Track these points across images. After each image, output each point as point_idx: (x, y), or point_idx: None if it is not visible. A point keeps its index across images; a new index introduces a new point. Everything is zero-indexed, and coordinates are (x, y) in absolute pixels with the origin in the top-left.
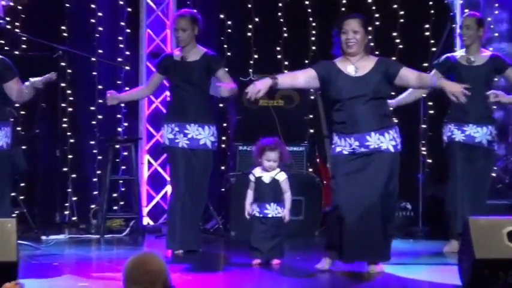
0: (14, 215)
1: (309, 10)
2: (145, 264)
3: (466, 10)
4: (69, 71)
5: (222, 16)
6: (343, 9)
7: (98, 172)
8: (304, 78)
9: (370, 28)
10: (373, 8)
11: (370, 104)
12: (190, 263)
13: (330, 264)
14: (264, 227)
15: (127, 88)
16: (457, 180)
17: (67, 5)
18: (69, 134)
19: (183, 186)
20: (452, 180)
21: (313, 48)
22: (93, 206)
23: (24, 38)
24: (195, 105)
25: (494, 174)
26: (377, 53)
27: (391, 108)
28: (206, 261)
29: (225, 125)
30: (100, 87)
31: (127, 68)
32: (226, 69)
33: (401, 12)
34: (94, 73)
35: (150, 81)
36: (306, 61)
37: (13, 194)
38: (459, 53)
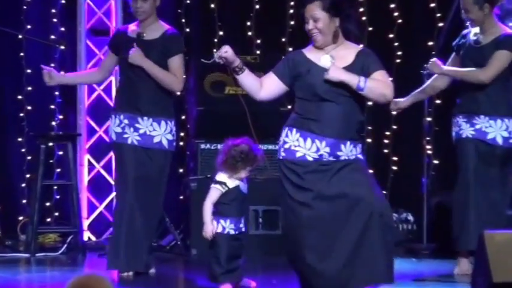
0: None
1: None
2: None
3: None
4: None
5: None
6: None
7: (27, 176)
8: (266, 90)
9: (341, 7)
10: None
11: (349, 106)
12: None
13: None
14: (239, 244)
15: (62, 72)
16: (469, 184)
17: None
18: None
19: (132, 193)
20: (461, 185)
21: (292, 23)
22: (21, 218)
23: None
24: (150, 95)
25: None
26: (370, 29)
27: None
28: (162, 285)
29: (183, 117)
30: (29, 71)
31: (62, 47)
32: (185, 56)
33: None
34: (21, 54)
35: (102, 63)
36: (283, 39)
37: None
38: (474, 30)
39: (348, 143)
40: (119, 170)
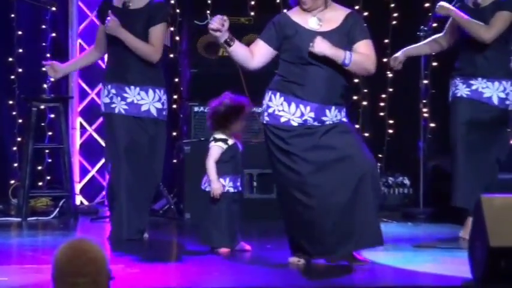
0: None
1: None
2: (86, 252)
3: None
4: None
5: None
6: None
7: (18, 139)
8: (256, 58)
9: None
10: None
11: (334, 70)
12: (136, 253)
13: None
14: (237, 206)
15: (54, 34)
16: (457, 143)
17: None
18: None
19: (125, 164)
20: (453, 146)
21: None
22: (12, 182)
23: None
24: (137, 64)
25: None
26: None
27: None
28: (155, 249)
29: (176, 80)
30: (20, 32)
31: (53, 8)
32: (164, 25)
33: None
34: (12, 15)
35: (97, 38)
36: (285, 10)
37: None
38: None
39: (333, 107)
40: (109, 142)
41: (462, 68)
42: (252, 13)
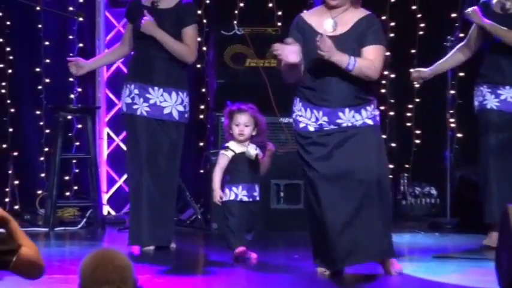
0: None
1: None
2: (112, 260)
3: None
4: (7, 23)
5: None
6: None
7: (46, 149)
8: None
9: None
10: None
11: (345, 73)
12: (162, 263)
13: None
14: (250, 215)
15: (81, 44)
16: (489, 157)
17: None
18: (8, 102)
19: (147, 167)
20: (483, 157)
21: None
22: (39, 192)
23: None
24: (163, 65)
25: None
26: (393, 0)
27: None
28: (182, 260)
29: (203, 90)
30: (47, 43)
31: (80, 19)
32: (195, 26)
33: None
34: (39, 26)
35: (124, 37)
36: (304, 10)
37: None
38: None
39: (347, 110)
40: (130, 144)
41: (489, 75)
42: (279, 23)
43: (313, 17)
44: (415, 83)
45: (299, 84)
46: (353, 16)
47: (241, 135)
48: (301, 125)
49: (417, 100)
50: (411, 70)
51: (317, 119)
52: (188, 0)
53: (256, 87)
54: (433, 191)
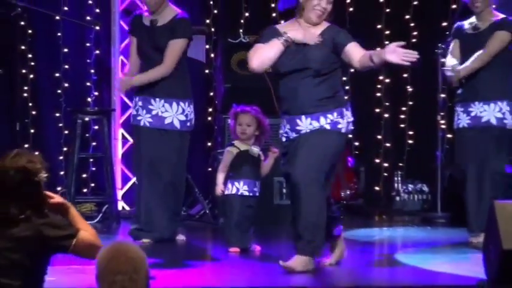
0: None
1: None
2: (125, 252)
3: None
4: (29, 31)
5: None
6: None
7: (65, 149)
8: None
9: None
10: None
11: (303, 82)
12: (170, 255)
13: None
14: (251, 209)
15: (97, 51)
16: (466, 173)
17: None
18: (30, 104)
19: (145, 173)
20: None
21: None
22: (59, 189)
23: None
24: (164, 78)
25: None
26: (388, 10)
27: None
28: (190, 251)
29: (211, 94)
30: (65, 50)
31: (97, 28)
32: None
33: None
34: (58, 34)
35: (131, 51)
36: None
37: None
38: (469, 20)
39: (303, 117)
40: (134, 152)
41: (462, 93)
42: None
43: (284, 28)
44: (408, 87)
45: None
46: (316, 30)
47: (244, 134)
48: (280, 136)
49: (410, 103)
50: (405, 75)
51: (284, 128)
52: (183, 15)
53: (260, 91)
54: (425, 188)
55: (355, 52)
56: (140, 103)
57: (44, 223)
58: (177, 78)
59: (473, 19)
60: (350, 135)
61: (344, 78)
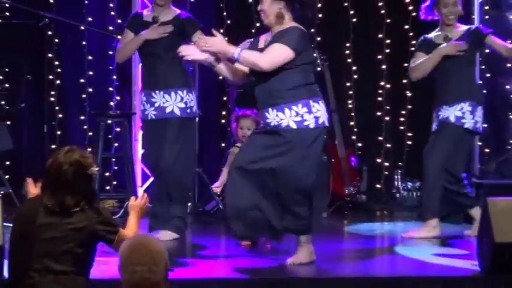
0: None
1: None
2: (146, 245)
3: None
4: (56, 40)
5: None
6: None
7: (89, 149)
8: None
9: None
10: None
11: (268, 77)
12: (185, 248)
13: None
14: None
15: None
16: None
17: None
18: (57, 108)
19: (153, 166)
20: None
21: (320, 16)
22: None
23: (7, 5)
24: (164, 71)
25: None
26: (388, 21)
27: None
28: (204, 245)
29: (225, 98)
30: (90, 57)
31: (118, 37)
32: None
33: None
34: (83, 43)
35: (122, 40)
36: (312, 29)
37: None
38: (433, 34)
39: (270, 109)
40: (145, 146)
41: (437, 98)
42: None
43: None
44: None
45: None
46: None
47: (244, 137)
48: None
49: (409, 107)
50: (404, 81)
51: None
52: (189, 15)
53: None
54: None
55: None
56: (145, 98)
57: (98, 218)
58: (177, 71)
59: (439, 31)
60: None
61: (348, 84)
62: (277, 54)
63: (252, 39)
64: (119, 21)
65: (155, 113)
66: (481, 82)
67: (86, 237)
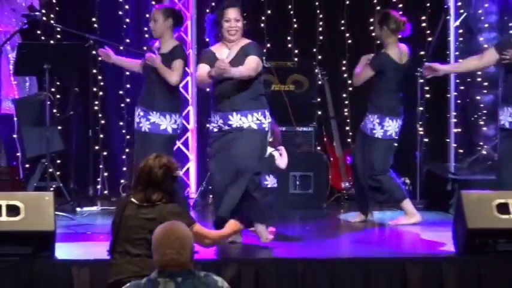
0: (51, 189)
1: (316, 3)
2: (175, 232)
3: (459, 3)
4: (99, 58)
5: None
6: (347, 2)
7: (126, 150)
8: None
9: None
10: (375, 1)
11: (238, 85)
12: None
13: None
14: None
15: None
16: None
17: None
18: (100, 115)
19: None
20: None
21: (320, 38)
22: (122, 181)
23: (58, 29)
24: (160, 94)
25: (484, 152)
26: (378, 42)
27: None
28: None
29: None
30: (127, 73)
31: None
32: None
33: (401, 5)
34: None
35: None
36: (314, 49)
37: (50, 170)
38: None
39: (234, 113)
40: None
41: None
42: (296, 59)
43: (215, 49)
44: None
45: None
46: (238, 45)
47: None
48: (210, 128)
49: None
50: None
51: (216, 122)
52: (180, 45)
53: (279, 106)
54: (407, 181)
55: (248, 63)
56: (141, 113)
57: (169, 210)
58: (172, 96)
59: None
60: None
61: (344, 95)
62: (255, 63)
63: (202, 54)
64: (151, 43)
65: (150, 127)
66: (455, 94)
67: (156, 226)
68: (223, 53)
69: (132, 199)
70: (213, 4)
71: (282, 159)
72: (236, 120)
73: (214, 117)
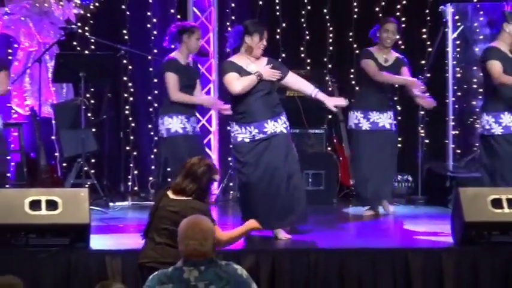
0: (86, 186)
1: (327, 17)
2: (198, 224)
3: (457, 17)
4: (130, 67)
5: None
6: (355, 16)
7: (155, 150)
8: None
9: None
10: (380, 15)
11: (269, 94)
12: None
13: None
14: None
15: None
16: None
17: (128, 12)
18: (130, 119)
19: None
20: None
21: (330, 48)
22: (151, 178)
23: (92, 40)
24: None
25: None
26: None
27: None
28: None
29: None
30: (155, 80)
31: None
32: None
33: (403, 19)
34: (150, 69)
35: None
36: (325, 59)
37: (85, 168)
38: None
39: (268, 120)
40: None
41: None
42: (308, 67)
43: (239, 61)
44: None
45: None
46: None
47: None
48: (239, 138)
49: (399, 118)
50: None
51: (250, 132)
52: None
53: (293, 110)
54: (410, 178)
55: (290, 79)
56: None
57: (192, 206)
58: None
59: (375, 49)
60: None
61: (352, 101)
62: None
63: (229, 65)
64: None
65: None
66: (453, 99)
67: (179, 219)
68: (251, 66)
69: (168, 192)
70: (233, 17)
71: None
72: (270, 126)
73: (245, 129)
